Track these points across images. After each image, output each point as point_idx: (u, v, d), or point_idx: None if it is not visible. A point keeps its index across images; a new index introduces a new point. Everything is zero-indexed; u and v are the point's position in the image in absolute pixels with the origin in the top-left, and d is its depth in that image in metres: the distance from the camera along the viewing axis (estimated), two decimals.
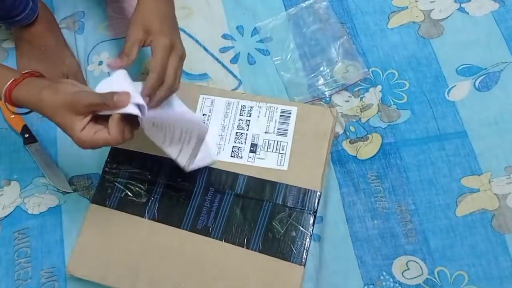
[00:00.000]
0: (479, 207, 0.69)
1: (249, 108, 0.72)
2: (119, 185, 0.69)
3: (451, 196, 0.70)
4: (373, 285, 0.66)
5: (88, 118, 0.53)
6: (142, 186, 0.69)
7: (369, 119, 0.75)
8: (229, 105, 0.72)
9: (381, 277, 0.67)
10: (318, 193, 0.66)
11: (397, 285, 0.66)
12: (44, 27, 0.81)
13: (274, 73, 0.80)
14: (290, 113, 0.71)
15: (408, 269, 0.67)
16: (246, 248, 0.64)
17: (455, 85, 0.76)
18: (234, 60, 0.81)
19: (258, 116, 0.71)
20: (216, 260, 0.64)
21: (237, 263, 0.64)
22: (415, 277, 0.66)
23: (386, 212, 0.70)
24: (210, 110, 0.73)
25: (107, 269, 0.65)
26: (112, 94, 0.53)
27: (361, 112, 0.76)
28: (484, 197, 0.69)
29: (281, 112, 0.71)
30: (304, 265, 0.63)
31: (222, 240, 0.65)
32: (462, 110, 0.74)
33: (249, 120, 0.71)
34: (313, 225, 0.65)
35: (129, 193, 0.68)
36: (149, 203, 0.67)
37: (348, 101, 0.77)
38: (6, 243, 0.71)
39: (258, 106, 0.72)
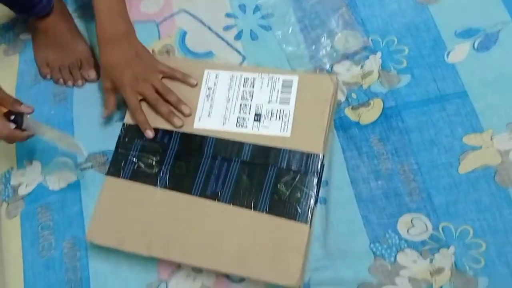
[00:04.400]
0: (482, 163, 0.70)
1: (252, 80, 0.75)
2: (132, 158, 0.73)
3: (453, 154, 0.71)
4: (379, 243, 0.68)
5: None
6: (153, 158, 0.72)
7: (370, 85, 0.77)
8: (233, 78, 0.76)
9: (387, 235, 0.69)
10: (321, 155, 0.69)
11: (403, 241, 0.68)
12: (58, 17, 0.86)
13: (277, 47, 0.82)
14: (291, 82, 0.73)
15: (413, 226, 0.68)
16: (254, 210, 0.67)
17: (454, 48, 0.77)
18: (238, 37, 0.84)
19: (261, 87, 0.74)
20: (226, 222, 0.67)
21: (246, 224, 0.67)
22: (420, 233, 0.68)
23: (389, 173, 0.72)
24: (215, 83, 0.76)
25: (123, 235, 0.69)
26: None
27: (362, 79, 0.78)
28: (486, 154, 0.70)
29: (283, 82, 0.74)
30: (310, 224, 0.66)
31: (230, 204, 0.68)
32: (462, 72, 0.75)
33: (252, 91, 0.74)
34: (317, 186, 0.67)
35: (142, 165, 0.72)
36: (161, 173, 0.71)
37: (349, 70, 0.79)
38: (31, 218, 0.76)
39: (261, 78, 0.75)
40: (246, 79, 0.75)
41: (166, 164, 0.72)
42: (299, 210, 0.66)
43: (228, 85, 0.75)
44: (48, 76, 0.86)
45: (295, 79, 0.74)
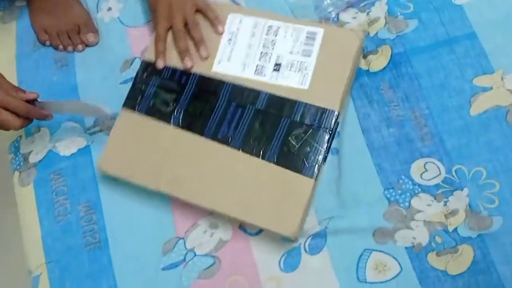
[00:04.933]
0: (493, 104, 0.69)
1: (275, 29, 0.73)
2: (148, 93, 0.73)
3: (464, 97, 0.70)
4: (393, 189, 0.68)
5: None
6: (169, 96, 0.73)
7: (377, 32, 0.76)
8: (257, 24, 0.74)
9: (400, 181, 0.68)
10: (336, 113, 0.68)
11: (417, 186, 0.68)
12: None
13: None
14: (315, 34, 0.72)
15: (426, 170, 0.68)
16: (262, 158, 0.67)
17: None
18: None
19: (285, 37, 0.73)
20: (233, 167, 0.68)
21: (253, 171, 0.67)
22: (433, 178, 0.68)
23: (400, 120, 0.71)
24: (238, 28, 0.75)
25: (134, 168, 0.70)
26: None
27: (369, 26, 0.77)
28: (497, 94, 0.69)
29: (307, 34, 0.72)
30: (315, 179, 0.66)
31: (239, 150, 0.68)
32: (469, 13, 0.74)
33: (275, 40, 0.73)
34: (327, 143, 0.67)
35: (157, 101, 0.73)
36: (175, 112, 0.72)
37: (355, 18, 0.78)
38: (44, 185, 0.76)
39: (285, 27, 0.73)
40: (270, 27, 0.74)
41: (181, 103, 0.72)
42: (306, 164, 0.66)
43: (251, 32, 0.74)
44: (47, 43, 0.85)
45: (320, 31, 0.72)
